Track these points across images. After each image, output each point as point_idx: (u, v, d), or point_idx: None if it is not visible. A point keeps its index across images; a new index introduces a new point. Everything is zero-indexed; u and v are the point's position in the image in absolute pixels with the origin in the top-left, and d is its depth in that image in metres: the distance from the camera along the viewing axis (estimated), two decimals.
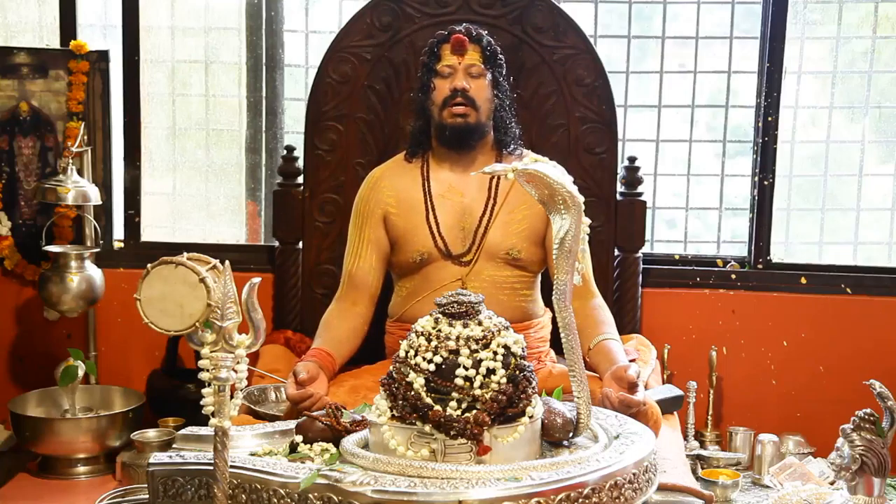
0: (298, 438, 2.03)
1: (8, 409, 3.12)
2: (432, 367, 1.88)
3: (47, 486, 3.00)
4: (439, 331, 1.92)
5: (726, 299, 3.45)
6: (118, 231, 3.62)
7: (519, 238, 2.81)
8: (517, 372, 1.91)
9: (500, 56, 2.85)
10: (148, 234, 3.63)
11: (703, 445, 3.31)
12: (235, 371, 1.79)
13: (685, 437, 3.22)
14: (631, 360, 2.60)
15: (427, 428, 1.85)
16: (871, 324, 3.40)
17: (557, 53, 3.19)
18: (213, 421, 1.78)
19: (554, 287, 1.97)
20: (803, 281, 3.45)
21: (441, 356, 1.88)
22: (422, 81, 2.85)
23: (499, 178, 2.76)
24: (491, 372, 1.88)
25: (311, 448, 2.00)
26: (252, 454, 2.00)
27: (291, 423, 2.13)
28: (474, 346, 1.89)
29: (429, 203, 2.84)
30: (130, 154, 3.58)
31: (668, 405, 2.72)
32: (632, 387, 2.35)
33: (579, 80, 3.19)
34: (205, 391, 1.78)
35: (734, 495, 2.91)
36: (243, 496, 1.84)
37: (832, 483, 2.95)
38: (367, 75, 3.23)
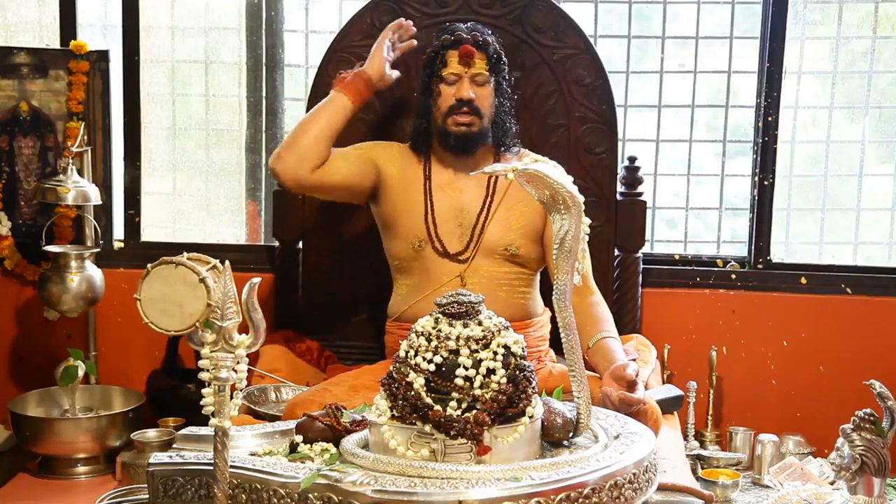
0: (298, 438, 2.03)
1: (8, 409, 3.12)
2: (432, 367, 1.88)
3: (47, 486, 3.00)
4: (439, 331, 1.92)
5: (726, 299, 3.45)
6: (118, 231, 3.62)
7: (517, 234, 2.82)
8: (517, 372, 1.91)
9: (504, 59, 2.85)
10: (148, 234, 3.63)
11: (703, 445, 3.31)
12: (235, 371, 1.79)
13: (685, 437, 3.22)
14: (631, 360, 2.59)
15: (427, 428, 1.85)
16: (871, 324, 3.40)
17: (557, 53, 3.19)
18: (213, 421, 1.78)
19: (554, 287, 1.97)
20: (803, 281, 3.45)
21: (441, 356, 1.88)
22: (423, 83, 2.85)
23: (497, 176, 2.76)
24: (491, 372, 1.88)
25: (311, 448, 2.00)
26: (252, 454, 2.00)
27: (291, 423, 2.13)
28: (474, 346, 1.89)
29: (428, 194, 2.83)
30: (130, 154, 3.58)
31: (668, 405, 2.72)
32: (631, 385, 2.35)
33: (579, 80, 3.19)
34: (205, 391, 1.78)
35: (734, 495, 2.91)
36: (243, 496, 1.84)
37: (832, 483, 2.95)
38: None
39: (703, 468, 3.06)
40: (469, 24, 2.87)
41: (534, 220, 2.83)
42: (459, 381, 1.87)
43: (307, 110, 3.25)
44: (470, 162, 2.84)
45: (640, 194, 3.29)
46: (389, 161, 2.89)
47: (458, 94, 2.77)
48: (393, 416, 1.90)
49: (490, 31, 2.86)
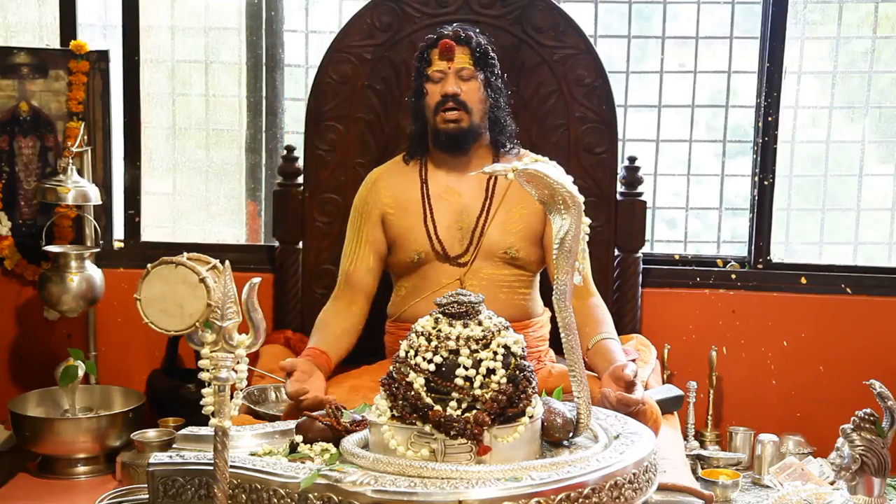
0: (298, 438, 2.03)
1: (8, 409, 3.12)
2: (432, 367, 1.88)
3: (47, 486, 3.00)
4: (439, 331, 1.92)
5: (726, 299, 3.45)
6: (118, 231, 3.62)
7: (517, 237, 2.82)
8: (517, 372, 1.91)
9: (492, 55, 2.84)
10: (148, 234, 3.63)
11: (703, 445, 3.30)
12: (235, 371, 1.79)
13: (685, 437, 3.22)
14: (631, 360, 2.60)
15: (427, 428, 1.85)
16: (871, 324, 3.40)
17: (557, 53, 3.19)
18: (213, 421, 1.78)
19: (554, 287, 1.97)
20: (803, 281, 3.45)
21: (441, 356, 1.88)
22: (415, 86, 2.86)
23: (496, 177, 2.76)
24: (491, 372, 1.88)
25: (311, 448, 2.00)
26: (252, 454, 2.00)
27: (291, 423, 2.13)
28: (474, 346, 1.89)
29: (426, 205, 2.84)
30: (130, 154, 3.58)
31: (668, 405, 2.72)
32: (630, 386, 2.35)
33: (579, 80, 3.19)
34: (205, 391, 1.78)
35: (734, 495, 2.91)
36: (243, 496, 1.84)
37: (832, 483, 2.95)
38: (367, 75, 3.23)
39: (703, 468, 3.06)
40: (455, 24, 2.88)
41: (533, 223, 2.83)
42: (459, 381, 1.87)
43: (307, 111, 3.28)
44: (465, 161, 2.84)
45: (640, 194, 3.29)
46: (382, 199, 2.89)
47: (442, 90, 2.77)
48: (393, 416, 1.90)
49: (478, 30, 2.85)
